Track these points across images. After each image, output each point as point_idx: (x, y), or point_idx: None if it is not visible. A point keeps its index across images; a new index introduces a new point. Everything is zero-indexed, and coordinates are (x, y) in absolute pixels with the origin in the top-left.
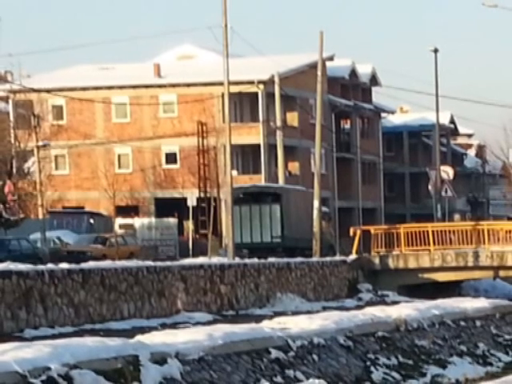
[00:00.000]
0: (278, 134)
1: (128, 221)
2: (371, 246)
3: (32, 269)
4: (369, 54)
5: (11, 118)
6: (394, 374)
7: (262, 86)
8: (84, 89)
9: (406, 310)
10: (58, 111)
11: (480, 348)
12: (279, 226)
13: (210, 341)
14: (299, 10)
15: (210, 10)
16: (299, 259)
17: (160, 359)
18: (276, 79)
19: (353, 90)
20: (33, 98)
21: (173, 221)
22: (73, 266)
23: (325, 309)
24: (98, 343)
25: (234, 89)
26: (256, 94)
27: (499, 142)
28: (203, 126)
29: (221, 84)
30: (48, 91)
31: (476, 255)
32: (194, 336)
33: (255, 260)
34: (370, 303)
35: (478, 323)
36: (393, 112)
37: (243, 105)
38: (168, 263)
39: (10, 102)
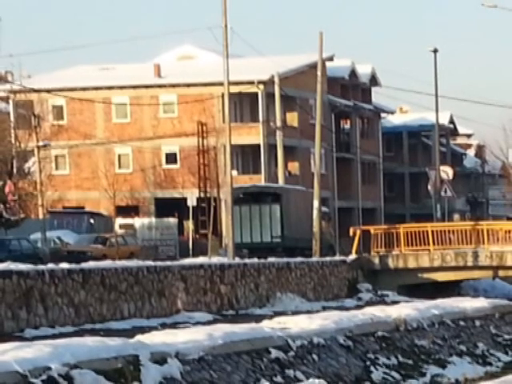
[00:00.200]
0: (278, 134)
1: (128, 221)
2: (371, 246)
3: (32, 269)
4: (368, 54)
5: (12, 118)
6: (394, 373)
7: (261, 87)
8: (84, 89)
9: (406, 309)
10: (59, 111)
11: (479, 348)
12: (279, 225)
13: (210, 340)
14: (299, 11)
15: (209, 10)
16: (299, 259)
17: (160, 359)
18: (276, 79)
19: (352, 90)
20: (33, 98)
21: (173, 221)
22: (73, 265)
23: (324, 309)
24: (98, 343)
25: (234, 89)
26: (256, 94)
27: (498, 142)
28: (203, 126)
29: (221, 84)
30: (48, 91)
31: (475, 255)
32: (194, 336)
33: (255, 260)
34: (370, 303)
35: (478, 323)
36: (392, 112)
37: (243, 105)
38: (168, 263)
39: (11, 102)
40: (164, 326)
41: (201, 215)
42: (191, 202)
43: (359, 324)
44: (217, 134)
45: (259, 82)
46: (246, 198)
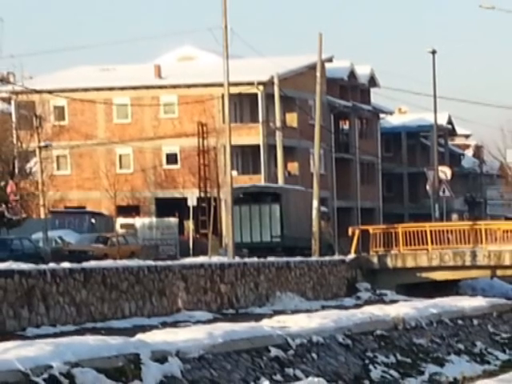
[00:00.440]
0: (278, 134)
1: (129, 220)
2: (370, 246)
3: (34, 268)
4: (367, 55)
5: (13, 118)
6: (393, 372)
7: (261, 87)
8: (85, 90)
9: (404, 308)
10: (60, 112)
11: (477, 346)
12: (279, 225)
13: (211, 339)
14: (298, 12)
15: (210, 11)
16: (298, 258)
17: (161, 357)
18: (275, 80)
19: (351, 91)
20: (35, 98)
21: (173, 220)
22: (74, 265)
23: (324, 308)
24: (99, 342)
25: (234, 90)
26: (256, 95)
27: (496, 142)
28: (203, 126)
29: (221, 85)
30: (50, 92)
31: (473, 254)
32: (195, 334)
33: (255, 259)
34: (369, 302)
35: (476, 322)
36: (391, 113)
37: (243, 106)
38: (169, 262)
39: (13, 102)
40: (165, 324)
41: (201, 215)
42: (191, 201)
43: (358, 323)
44: (217, 134)
45: (259, 83)
46: (245, 197)
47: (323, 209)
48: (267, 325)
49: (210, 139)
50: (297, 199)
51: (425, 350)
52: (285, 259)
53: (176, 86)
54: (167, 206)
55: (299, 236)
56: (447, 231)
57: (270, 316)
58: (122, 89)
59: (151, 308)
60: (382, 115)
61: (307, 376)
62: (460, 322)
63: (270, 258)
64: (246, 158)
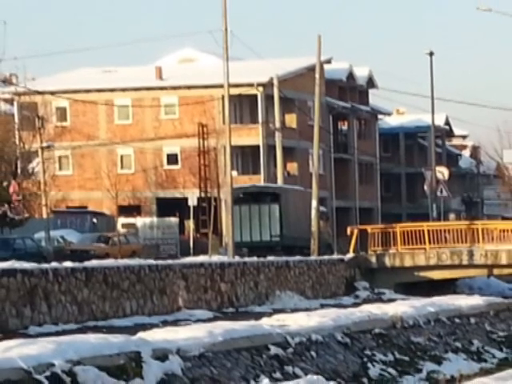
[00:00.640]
0: (277, 135)
1: (130, 220)
2: (368, 245)
3: (36, 267)
4: (366, 57)
5: (16, 119)
6: (391, 370)
7: (261, 89)
8: (87, 91)
9: (402, 307)
10: (62, 113)
11: (474, 344)
12: (278, 225)
13: (211, 337)
14: (297, 15)
15: (210, 14)
16: (298, 258)
17: (161, 355)
18: (275, 82)
19: (350, 92)
20: (37, 100)
21: (174, 220)
22: (76, 264)
23: (323, 306)
24: (100, 340)
25: (234, 91)
26: (255, 96)
27: (493, 142)
28: (204, 127)
29: (221, 86)
30: (52, 93)
31: (470, 254)
32: (195, 333)
33: (255, 258)
34: (367, 301)
35: (473, 320)
36: (389, 114)
37: (243, 107)
38: (169, 262)
39: (15, 104)
40: (165, 323)
41: (201, 215)
42: (192, 201)
43: (356, 321)
44: (217, 135)
45: (258, 85)
46: (245, 197)
47: (322, 208)
48: (267, 323)
49: (210, 140)
50: (296, 199)
51: (422, 348)
52: (284, 258)
53: (176, 88)
54: (168, 206)
55: (298, 235)
56: (445, 231)
57: (269, 315)
58: (124, 90)
59: (152, 307)
60: (380, 116)
61: (306, 374)
62: (457, 320)
63: (270, 258)
64: (245, 158)
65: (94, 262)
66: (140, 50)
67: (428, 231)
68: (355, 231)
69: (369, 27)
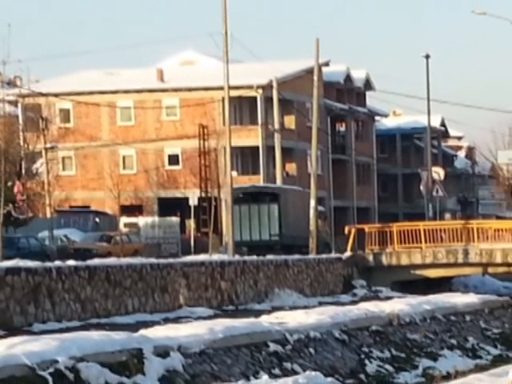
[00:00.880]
0: (276, 136)
1: (132, 220)
2: (365, 244)
3: (40, 265)
4: (363, 59)
5: (20, 121)
6: (388, 366)
7: (260, 91)
8: (90, 93)
9: (399, 305)
10: (65, 114)
11: (470, 341)
12: (277, 224)
13: (211, 335)
14: (296, 18)
15: (210, 17)
16: (296, 256)
17: (163, 352)
18: (274, 84)
19: (348, 94)
20: (41, 101)
21: (175, 220)
22: (79, 262)
23: (321, 304)
24: (103, 337)
25: (234, 93)
26: (255, 98)
27: (488, 143)
28: (204, 128)
29: (221, 88)
30: (56, 95)
31: (466, 252)
32: (196, 330)
33: (254, 257)
34: (364, 299)
35: (468, 318)
36: (386, 115)
37: (243, 108)
38: (171, 260)
39: (20, 105)
40: (167, 320)
41: (202, 214)
42: (193, 201)
43: (354, 319)
44: (217, 136)
45: (258, 87)
46: (245, 197)
47: (320, 208)
48: (266, 321)
49: (210, 141)
50: (295, 199)
51: (419, 345)
52: (283, 257)
53: (178, 90)
54: (169, 206)
55: (297, 234)
56: (440, 230)
57: (268, 312)
58: (126, 92)
59: (154, 304)
60: (377, 118)
61: (305, 370)
62: (453, 317)
63: (269, 256)
64: (245, 159)
65: (96, 261)
66: (142, 52)
67: (424, 230)
68: (353, 230)
69: (366, 30)
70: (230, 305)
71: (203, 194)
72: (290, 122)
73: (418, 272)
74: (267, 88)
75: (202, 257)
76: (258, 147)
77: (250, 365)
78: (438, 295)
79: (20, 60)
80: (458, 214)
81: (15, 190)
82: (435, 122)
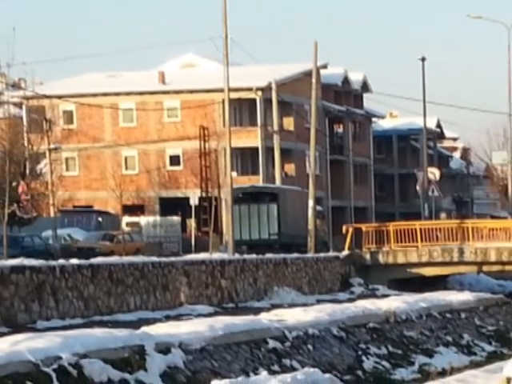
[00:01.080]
0: (275, 137)
1: (134, 219)
2: (362, 243)
3: (44, 264)
4: (360, 62)
5: (25, 122)
6: (384, 362)
7: (260, 93)
8: (93, 95)
9: (395, 302)
10: (69, 116)
11: (465, 338)
12: (276, 223)
13: (211, 332)
14: (294, 22)
15: (211, 21)
16: (295, 255)
17: (164, 349)
18: (273, 86)
19: (345, 96)
20: (45, 103)
21: (176, 219)
22: (82, 261)
23: (319, 302)
24: (106, 334)
25: (234, 95)
26: (254, 100)
27: (482, 144)
28: (205, 130)
29: (221, 91)
30: (59, 97)
31: (461, 251)
32: (196, 327)
33: (253, 256)
34: (362, 296)
35: (463, 315)
36: (383, 117)
37: (242, 110)
38: (172, 259)
39: (24, 107)
40: (168, 317)
41: (202, 214)
42: (193, 201)
43: (351, 316)
44: (218, 137)
45: (257, 89)
46: (245, 197)
47: (318, 208)
48: (265, 318)
49: (211, 142)
50: (293, 199)
51: (415, 341)
52: (282, 256)
53: (179, 92)
54: (170, 206)
55: (296, 234)
56: (436, 229)
57: (267, 310)
58: (128, 94)
59: (155, 302)
60: (374, 119)
61: (303, 366)
62: (448, 315)
63: (268, 255)
64: (245, 159)
65: (99, 259)
66: (144, 55)
67: (420, 229)
68: (350, 229)
69: (363, 34)
70: (230, 302)
71: (204, 194)
72: (289, 123)
73: (414, 270)
74: (266, 90)
75: (202, 255)
76: (257, 148)
77: (250, 361)
78: (433, 293)
79: (24, 63)
80: (453, 213)
81: (20, 190)
82: (431, 124)
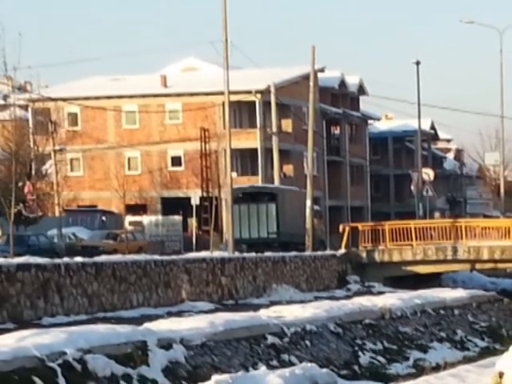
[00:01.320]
0: (274, 139)
1: (137, 218)
2: (359, 242)
3: (49, 262)
4: (357, 65)
5: (30, 124)
6: (380, 358)
7: (259, 96)
8: (97, 98)
9: (391, 299)
10: (73, 118)
11: (458, 334)
12: (275, 222)
13: (212, 328)
14: (293, 27)
15: (211, 26)
16: (293, 253)
17: (166, 344)
18: (272, 89)
19: (342, 98)
20: (50, 106)
21: (178, 218)
22: (86, 259)
23: (316, 299)
24: (109, 330)
25: (234, 98)
26: (254, 103)
27: (475, 146)
28: (205, 131)
29: (222, 93)
30: (64, 100)
31: (454, 250)
32: (197, 323)
33: (253, 254)
34: (358, 293)
35: (456, 312)
36: (379, 119)
37: (242, 112)
38: (173, 257)
39: (30, 109)
40: (170, 314)
41: (203, 213)
42: (194, 201)
43: (348, 312)
44: (218, 138)
45: (256, 92)
46: (244, 197)
47: (316, 207)
48: (264, 314)
49: (211, 143)
50: (292, 199)
51: (409, 337)
52: (280, 254)
53: (180, 95)
54: (172, 205)
55: (294, 232)
56: (430, 228)
57: (266, 306)
58: (131, 97)
59: (157, 299)
60: (370, 121)
61: (301, 361)
62: (442, 311)
63: (267, 253)
64: (244, 160)
65: (103, 258)
66: (146, 59)
67: (415, 228)
68: (347, 228)
69: (359, 38)
70: (230, 299)
71: (204, 194)
72: (287, 125)
73: (409, 268)
74: (265, 93)
75: (203, 254)
76: (256, 149)
77: (249, 356)
78: (427, 290)
79: (30, 66)
80: (446, 212)
81: (25, 190)
82: (425, 126)
